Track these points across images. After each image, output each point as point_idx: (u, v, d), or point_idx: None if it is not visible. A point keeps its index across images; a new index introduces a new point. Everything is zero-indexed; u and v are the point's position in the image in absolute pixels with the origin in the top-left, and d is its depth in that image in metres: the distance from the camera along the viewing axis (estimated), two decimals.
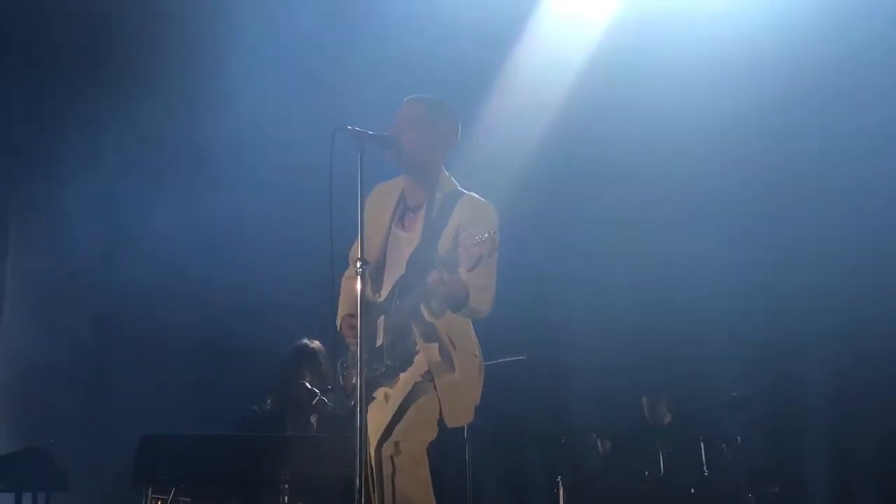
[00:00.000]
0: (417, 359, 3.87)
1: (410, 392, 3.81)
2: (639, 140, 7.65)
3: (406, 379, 3.86)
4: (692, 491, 6.63)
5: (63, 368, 7.18)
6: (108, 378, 7.43)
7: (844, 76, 7.24)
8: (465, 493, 5.70)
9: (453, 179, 4.05)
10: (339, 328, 4.07)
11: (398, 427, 3.77)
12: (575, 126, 7.67)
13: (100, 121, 7.54)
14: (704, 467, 6.63)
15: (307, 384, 5.53)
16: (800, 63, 7.20)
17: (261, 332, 7.03)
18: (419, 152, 3.97)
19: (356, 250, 3.71)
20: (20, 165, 7.55)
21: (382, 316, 3.93)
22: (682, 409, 7.36)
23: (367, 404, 3.76)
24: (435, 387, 3.82)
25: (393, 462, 3.74)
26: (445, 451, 4.25)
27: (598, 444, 7.18)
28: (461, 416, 3.91)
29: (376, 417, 3.84)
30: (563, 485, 6.74)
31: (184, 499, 5.14)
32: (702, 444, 6.66)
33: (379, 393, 3.93)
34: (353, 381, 3.75)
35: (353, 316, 3.75)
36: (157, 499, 4.99)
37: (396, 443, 3.75)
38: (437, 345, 3.85)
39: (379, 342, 3.91)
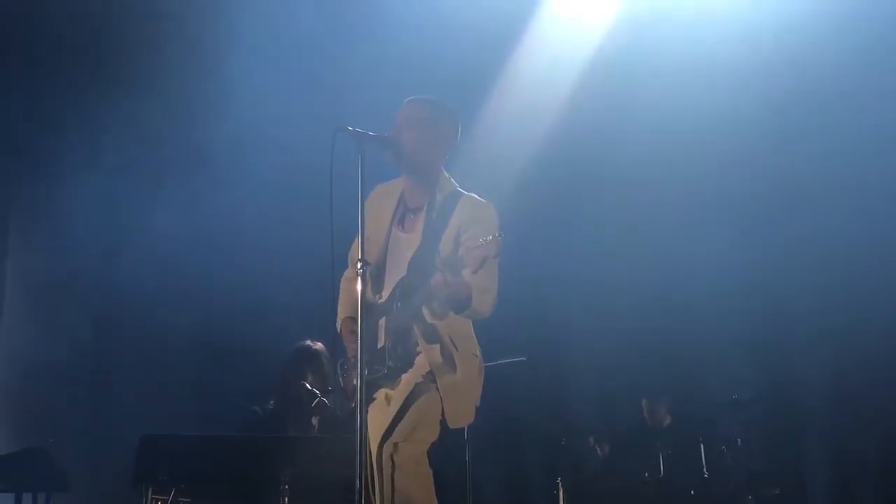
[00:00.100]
0: (419, 360, 3.87)
1: (412, 393, 3.82)
2: (639, 141, 7.65)
3: (407, 380, 3.86)
4: (692, 492, 6.64)
5: (63, 368, 7.18)
6: (108, 378, 7.42)
7: (845, 78, 7.24)
8: (465, 494, 5.70)
9: (453, 180, 4.06)
10: (339, 330, 4.07)
11: (400, 428, 3.77)
12: (575, 127, 7.66)
13: (100, 121, 7.53)
14: (704, 469, 6.64)
15: (308, 385, 5.53)
16: (799, 65, 7.20)
17: (261, 333, 7.03)
18: (419, 153, 3.97)
19: (356, 251, 3.71)
20: (20, 165, 7.54)
21: (384, 317, 3.93)
22: (682, 411, 7.37)
23: (368, 405, 3.76)
24: (437, 388, 3.82)
25: (394, 462, 3.75)
26: (446, 451, 4.24)
27: (598, 445, 7.19)
28: (463, 416, 3.91)
29: (377, 418, 3.85)
30: (562, 486, 6.75)
31: (184, 499, 5.14)
32: (702, 446, 6.67)
33: (380, 394, 3.93)
34: (354, 382, 3.76)
35: (354, 319, 3.75)
36: (157, 499, 4.98)
37: (398, 443, 3.76)
38: (438, 346, 3.85)
39: (380, 344, 3.91)
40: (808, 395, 7.58)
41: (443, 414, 3.85)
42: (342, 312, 4.12)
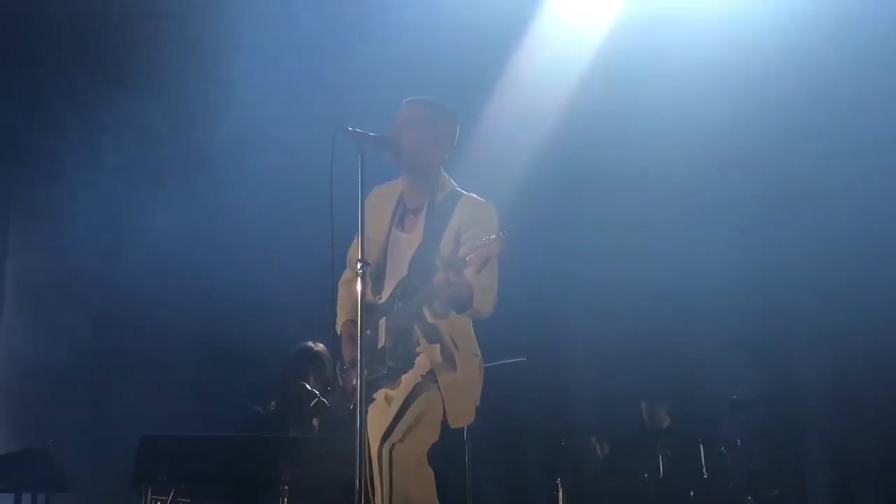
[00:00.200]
0: (419, 360, 3.88)
1: (412, 392, 3.82)
2: (639, 142, 7.66)
3: (408, 380, 3.86)
4: (691, 493, 6.64)
5: (63, 368, 7.18)
6: (108, 378, 7.42)
7: (844, 80, 7.25)
8: (464, 494, 5.69)
9: (452, 180, 4.06)
10: (338, 333, 4.06)
11: (400, 428, 3.77)
12: (576, 128, 7.66)
13: (100, 121, 7.53)
14: (704, 470, 6.63)
15: (307, 386, 5.53)
16: (799, 67, 7.20)
17: (261, 333, 7.03)
18: (419, 154, 3.98)
19: (355, 252, 3.71)
20: (20, 166, 7.54)
21: (384, 317, 3.93)
22: (682, 412, 7.37)
23: (368, 406, 3.76)
24: (438, 387, 3.83)
25: (394, 462, 3.74)
26: (446, 452, 4.24)
27: (598, 446, 7.19)
28: (464, 416, 3.91)
29: (377, 419, 3.85)
30: (562, 486, 6.75)
31: (183, 500, 5.15)
32: (701, 447, 6.66)
33: (379, 394, 3.93)
34: (353, 382, 3.75)
35: (354, 322, 3.75)
36: (157, 499, 4.99)
37: (398, 443, 3.75)
38: (438, 345, 3.85)
39: (381, 344, 3.91)
40: (807, 396, 7.58)
41: (444, 414, 3.85)
42: (342, 316, 4.12)
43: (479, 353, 4.00)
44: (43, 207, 7.60)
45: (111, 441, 6.73)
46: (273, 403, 5.79)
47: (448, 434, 3.95)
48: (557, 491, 6.73)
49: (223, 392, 7.01)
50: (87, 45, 7.42)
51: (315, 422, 5.63)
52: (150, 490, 4.95)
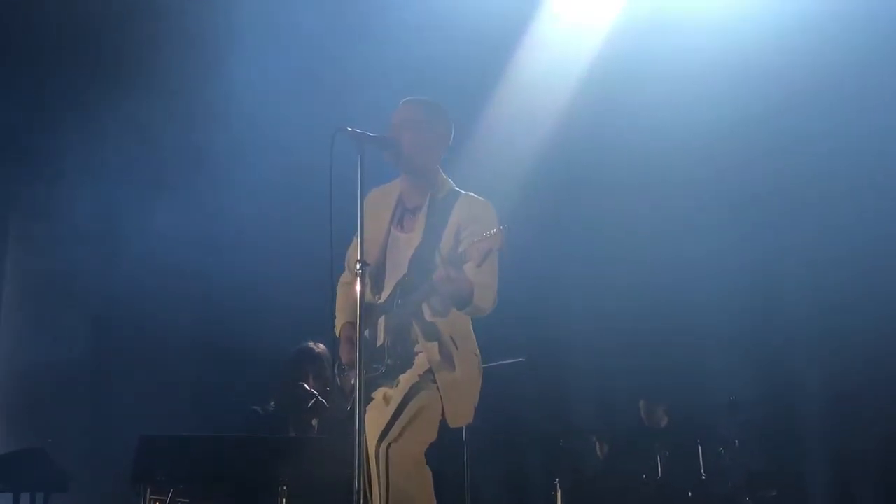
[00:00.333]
0: (418, 359, 3.88)
1: (410, 392, 3.82)
2: (639, 144, 7.67)
3: (406, 380, 3.87)
4: (689, 494, 6.64)
5: (62, 368, 7.17)
6: (108, 378, 7.41)
7: (845, 81, 7.25)
8: (463, 494, 5.69)
9: (450, 180, 4.07)
10: (337, 335, 4.06)
11: (398, 427, 3.77)
12: (576, 130, 7.67)
13: (100, 121, 7.52)
14: (702, 470, 6.64)
15: (305, 386, 5.53)
16: (799, 69, 7.20)
17: (261, 333, 7.04)
18: (418, 154, 4.00)
19: (353, 254, 3.71)
20: (20, 166, 7.53)
21: (383, 316, 3.94)
22: (680, 412, 7.37)
23: (366, 405, 3.76)
24: (437, 387, 3.83)
25: (392, 462, 3.74)
26: (444, 452, 4.24)
27: (597, 446, 7.19)
28: (463, 415, 3.91)
29: (375, 418, 3.84)
30: (560, 487, 6.74)
31: (182, 500, 5.13)
32: (699, 447, 6.67)
33: (378, 394, 3.93)
34: (352, 382, 3.75)
35: (353, 324, 3.75)
36: (155, 499, 4.97)
37: (395, 443, 3.76)
38: (437, 343, 3.86)
39: (379, 342, 3.92)
40: (806, 397, 7.59)
41: (443, 414, 3.85)
42: (340, 318, 4.13)
43: (478, 352, 4.01)
44: (43, 207, 7.59)
45: (110, 441, 6.72)
46: (272, 403, 5.79)
47: (447, 434, 3.96)
48: (556, 491, 6.72)
49: (223, 392, 7.01)
50: (87, 45, 7.42)
51: (314, 422, 5.63)
52: (148, 490, 4.93)
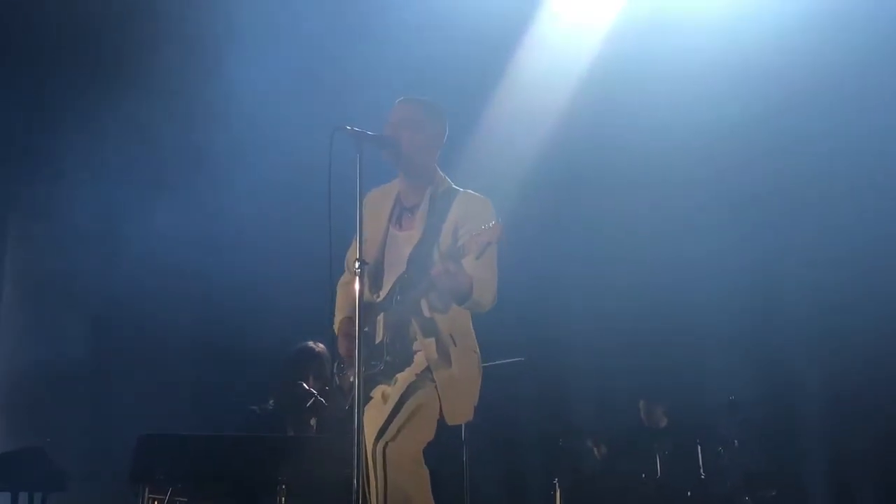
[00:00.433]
0: (417, 357, 3.88)
1: (407, 390, 3.82)
2: (639, 144, 7.67)
3: (404, 378, 3.87)
4: (689, 494, 6.64)
5: (61, 368, 7.17)
6: (107, 378, 7.41)
7: (845, 81, 7.26)
8: (462, 494, 5.68)
9: (448, 178, 4.08)
10: (336, 332, 4.06)
11: (394, 426, 3.77)
12: (576, 130, 7.68)
13: (100, 121, 7.52)
14: (701, 470, 6.64)
15: (304, 385, 5.53)
16: (799, 69, 7.21)
17: (260, 333, 7.04)
18: (417, 153, 4.01)
19: (352, 255, 3.72)
20: (20, 166, 7.55)
21: (382, 314, 3.94)
22: (679, 413, 7.37)
23: (365, 404, 3.76)
24: (435, 384, 3.83)
25: (389, 460, 3.74)
26: (443, 451, 4.24)
27: (596, 446, 7.19)
28: (461, 413, 3.91)
29: (374, 417, 3.84)
30: (560, 486, 6.74)
31: (180, 499, 5.13)
32: (698, 447, 6.67)
33: (377, 392, 3.93)
34: (351, 380, 3.75)
35: (351, 319, 3.75)
36: (154, 498, 4.97)
37: (391, 442, 3.75)
38: (434, 340, 3.86)
39: (378, 339, 3.92)
40: (805, 397, 7.59)
41: (441, 412, 3.85)
42: (339, 315, 4.13)
43: (478, 349, 4.00)
44: (43, 207, 7.60)
45: (109, 441, 6.72)
46: (271, 402, 5.79)
47: (445, 433, 3.95)
48: (554, 491, 6.72)
49: (223, 392, 7.01)
50: (87, 45, 7.43)
51: (313, 421, 5.63)
52: (147, 489, 4.94)
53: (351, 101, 6.89)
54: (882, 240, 7.16)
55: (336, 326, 4.09)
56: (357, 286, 3.64)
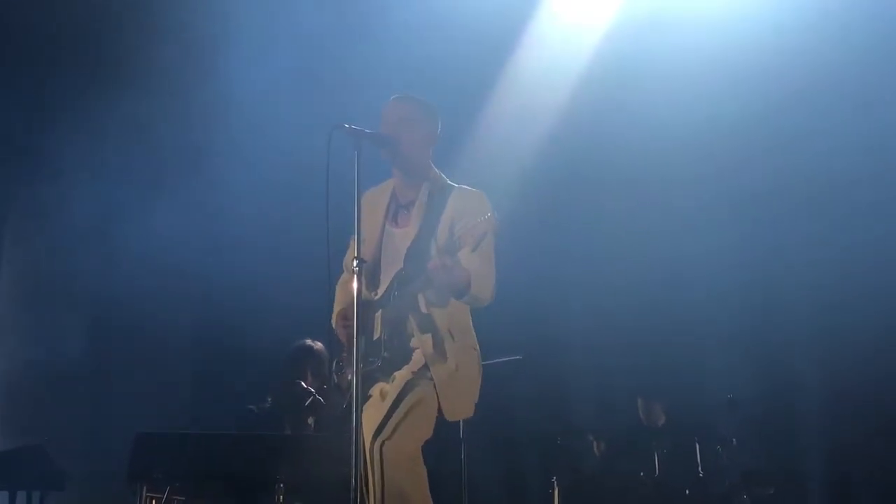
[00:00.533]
0: (415, 355, 3.89)
1: (404, 388, 3.83)
2: (637, 142, 7.67)
3: (402, 376, 3.87)
4: (687, 492, 6.63)
5: (60, 367, 7.18)
6: (106, 377, 7.41)
7: (845, 79, 7.25)
8: (460, 493, 5.69)
9: (443, 174, 4.09)
10: (333, 325, 4.07)
11: (391, 424, 3.77)
12: (574, 128, 7.68)
13: (99, 121, 7.53)
14: (700, 468, 6.64)
15: (303, 384, 5.53)
16: (798, 67, 7.20)
17: (259, 332, 7.04)
18: (414, 150, 4.02)
19: (350, 256, 3.73)
20: (19, 166, 7.55)
21: (380, 310, 3.94)
22: (678, 411, 7.36)
23: (364, 403, 3.76)
24: (434, 385, 3.83)
25: (387, 459, 3.74)
26: (441, 450, 4.24)
27: (594, 444, 7.18)
28: (461, 409, 3.91)
29: (372, 415, 3.83)
30: (558, 485, 6.73)
31: (178, 497, 5.13)
32: (697, 446, 6.67)
33: (375, 390, 3.93)
34: (349, 378, 3.75)
35: (349, 309, 3.76)
36: (152, 497, 4.98)
37: (388, 440, 3.75)
38: (430, 335, 3.86)
39: (376, 335, 3.92)
40: (803, 395, 7.58)
41: (439, 410, 3.85)
42: (337, 308, 4.11)
43: (477, 346, 4.01)
44: (42, 207, 7.60)
45: (108, 440, 6.72)
46: (269, 400, 5.79)
47: (443, 432, 3.95)
48: (553, 489, 6.72)
49: (222, 392, 7.02)
50: (87, 45, 7.43)
51: (310, 420, 5.63)
52: (145, 488, 4.94)
53: (351, 100, 6.88)
54: (881, 238, 7.16)
55: (333, 319, 4.08)
56: (355, 284, 3.64)
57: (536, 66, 7.58)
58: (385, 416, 3.78)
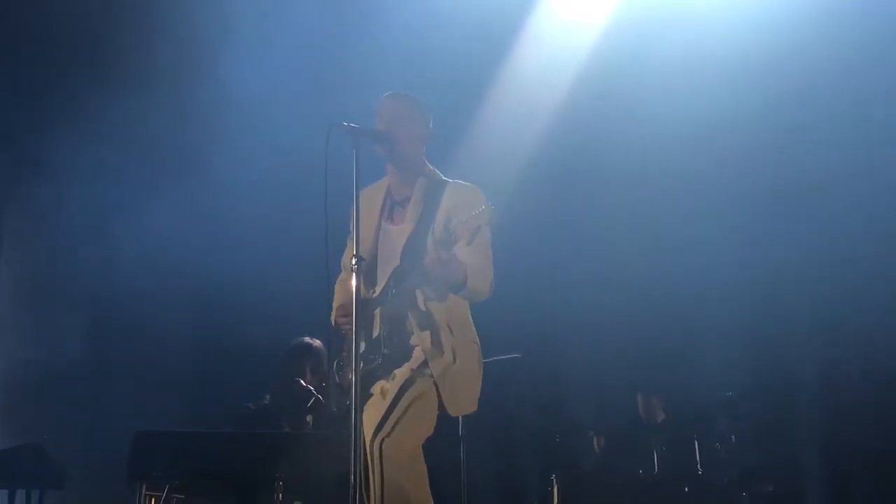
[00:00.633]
0: (415, 352, 3.89)
1: (404, 385, 3.83)
2: (636, 138, 7.66)
3: (401, 374, 3.87)
4: (686, 489, 6.63)
5: (59, 367, 7.18)
6: (106, 377, 7.42)
7: (845, 75, 7.23)
8: (459, 490, 5.69)
9: (437, 170, 4.11)
10: (333, 322, 4.07)
11: (391, 421, 3.77)
12: (573, 125, 7.67)
13: (97, 121, 7.52)
14: (698, 465, 6.63)
15: (302, 382, 5.53)
16: (797, 63, 7.20)
17: (258, 332, 7.04)
18: (410, 147, 4.04)
19: (348, 255, 3.74)
20: (18, 166, 7.55)
21: (378, 308, 3.95)
22: (677, 408, 7.36)
23: (365, 402, 3.77)
24: (434, 382, 3.83)
25: (386, 456, 3.74)
26: (440, 448, 4.25)
27: (593, 441, 7.18)
28: (463, 403, 3.92)
29: (372, 414, 3.84)
30: (557, 482, 6.73)
31: (177, 496, 5.14)
32: (696, 443, 6.66)
33: (376, 388, 3.93)
34: (350, 377, 3.76)
35: (345, 306, 3.77)
36: (151, 495, 4.98)
37: (388, 438, 3.76)
38: (429, 332, 3.87)
39: (376, 333, 3.93)
40: (802, 392, 7.57)
41: (440, 405, 3.86)
42: (336, 304, 4.12)
43: (478, 341, 4.01)
44: (40, 207, 7.61)
45: (107, 439, 6.73)
46: (267, 397, 5.79)
47: (443, 429, 3.96)
48: (552, 486, 6.72)
49: (221, 391, 7.02)
50: (84, 45, 7.43)
51: (309, 418, 5.63)
52: (144, 486, 4.94)
53: (350, 100, 6.87)
54: (881, 234, 7.15)
55: (333, 316, 4.08)
56: (354, 282, 3.64)
57: (535, 64, 7.57)
58: (385, 414, 3.79)
